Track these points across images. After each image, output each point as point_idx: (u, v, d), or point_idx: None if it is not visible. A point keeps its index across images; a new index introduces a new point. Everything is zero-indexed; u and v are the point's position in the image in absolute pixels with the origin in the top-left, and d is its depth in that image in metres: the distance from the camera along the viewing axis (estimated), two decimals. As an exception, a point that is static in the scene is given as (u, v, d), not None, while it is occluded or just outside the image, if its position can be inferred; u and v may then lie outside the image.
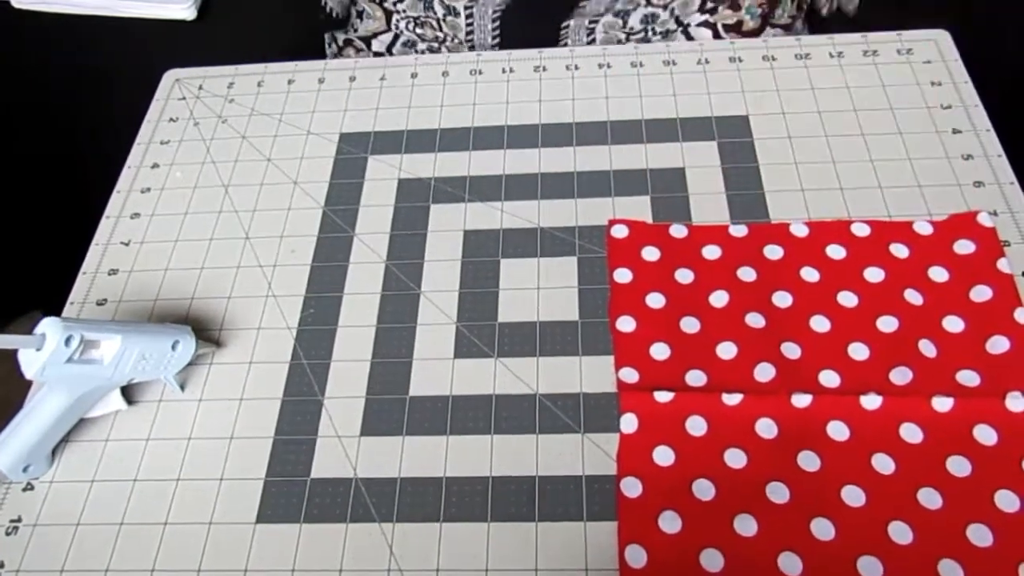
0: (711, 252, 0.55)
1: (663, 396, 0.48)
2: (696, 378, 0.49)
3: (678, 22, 0.72)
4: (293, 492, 0.48)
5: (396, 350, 0.53)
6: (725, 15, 0.73)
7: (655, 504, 0.45)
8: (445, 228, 0.59)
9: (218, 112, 0.69)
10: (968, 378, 0.47)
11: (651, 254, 0.55)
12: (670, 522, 0.44)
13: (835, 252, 0.54)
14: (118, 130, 0.71)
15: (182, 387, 0.53)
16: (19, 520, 0.49)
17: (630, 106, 0.65)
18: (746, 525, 0.44)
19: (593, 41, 0.72)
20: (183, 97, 0.71)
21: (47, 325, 0.44)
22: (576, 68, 0.68)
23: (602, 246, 0.57)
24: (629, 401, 0.49)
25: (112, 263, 0.60)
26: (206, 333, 0.55)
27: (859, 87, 0.64)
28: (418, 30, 0.74)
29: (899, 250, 0.53)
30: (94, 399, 0.50)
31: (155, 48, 0.93)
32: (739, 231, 0.56)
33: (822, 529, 0.43)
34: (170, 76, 0.73)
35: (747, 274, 0.54)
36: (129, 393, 0.52)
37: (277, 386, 0.53)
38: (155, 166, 0.66)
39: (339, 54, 0.82)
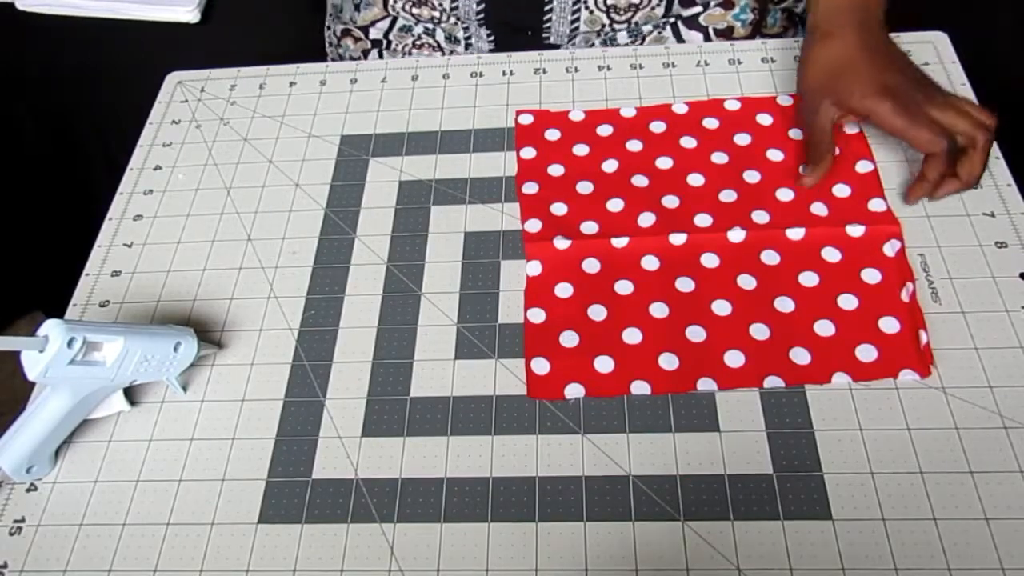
0: (604, 130, 0.63)
1: (562, 243, 0.56)
2: (589, 227, 0.57)
3: (668, 10, 0.72)
4: (295, 493, 0.48)
5: (397, 351, 0.54)
6: (715, 13, 0.73)
7: (556, 326, 0.53)
8: (446, 230, 0.60)
9: (220, 114, 0.70)
10: (818, 209, 0.57)
11: (552, 134, 0.64)
12: (569, 339, 0.52)
13: (710, 123, 0.63)
14: (121, 132, 0.71)
15: (184, 388, 0.53)
16: (23, 520, 0.49)
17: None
18: (632, 335, 0.52)
19: (577, 21, 0.72)
20: (185, 99, 0.71)
21: (50, 327, 0.44)
22: (576, 71, 0.68)
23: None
24: (533, 250, 0.57)
25: (115, 264, 0.61)
26: (208, 334, 0.55)
27: (858, 89, 0.64)
28: (414, 10, 0.75)
29: (764, 119, 0.63)
30: (96, 400, 0.50)
31: (157, 51, 0.93)
32: (628, 112, 0.64)
33: (695, 333, 0.52)
34: (172, 78, 0.73)
35: (634, 145, 0.62)
36: (132, 394, 0.53)
37: (279, 387, 0.53)
38: (157, 168, 0.67)
39: (338, 44, 0.83)
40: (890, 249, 0.54)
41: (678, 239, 0.56)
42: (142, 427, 0.52)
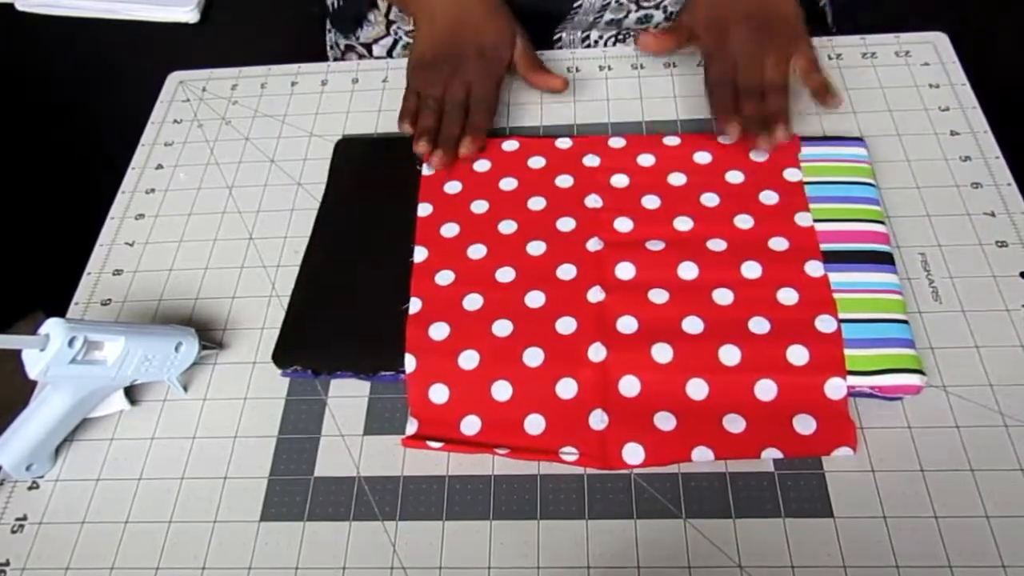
0: (536, 162, 0.61)
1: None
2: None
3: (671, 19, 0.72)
4: (297, 490, 0.48)
5: (398, 350, 0.54)
6: None
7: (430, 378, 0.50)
8: (447, 229, 0.59)
9: (222, 114, 0.70)
10: (751, 270, 0.53)
11: (453, 187, 0.60)
12: (438, 394, 0.50)
13: (645, 160, 0.60)
14: (122, 132, 0.71)
15: (185, 388, 0.53)
16: (24, 518, 0.49)
17: (631, 108, 0.65)
18: (503, 390, 0.49)
19: (602, 13, 0.72)
20: (187, 99, 0.71)
21: (51, 326, 0.44)
22: (577, 71, 0.68)
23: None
24: (416, 286, 0.54)
25: (116, 264, 0.61)
26: (210, 333, 0.55)
27: (858, 89, 0.64)
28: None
29: (702, 157, 0.59)
30: (97, 399, 0.50)
31: (159, 50, 0.93)
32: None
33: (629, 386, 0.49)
34: (174, 78, 0.74)
35: (565, 180, 0.59)
36: (134, 392, 0.53)
37: (281, 385, 0.53)
38: (159, 167, 0.67)
39: (342, 59, 0.83)
40: (825, 327, 0.50)
41: (596, 296, 0.52)
42: (144, 425, 0.52)
